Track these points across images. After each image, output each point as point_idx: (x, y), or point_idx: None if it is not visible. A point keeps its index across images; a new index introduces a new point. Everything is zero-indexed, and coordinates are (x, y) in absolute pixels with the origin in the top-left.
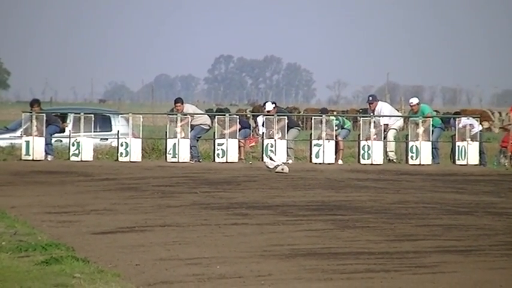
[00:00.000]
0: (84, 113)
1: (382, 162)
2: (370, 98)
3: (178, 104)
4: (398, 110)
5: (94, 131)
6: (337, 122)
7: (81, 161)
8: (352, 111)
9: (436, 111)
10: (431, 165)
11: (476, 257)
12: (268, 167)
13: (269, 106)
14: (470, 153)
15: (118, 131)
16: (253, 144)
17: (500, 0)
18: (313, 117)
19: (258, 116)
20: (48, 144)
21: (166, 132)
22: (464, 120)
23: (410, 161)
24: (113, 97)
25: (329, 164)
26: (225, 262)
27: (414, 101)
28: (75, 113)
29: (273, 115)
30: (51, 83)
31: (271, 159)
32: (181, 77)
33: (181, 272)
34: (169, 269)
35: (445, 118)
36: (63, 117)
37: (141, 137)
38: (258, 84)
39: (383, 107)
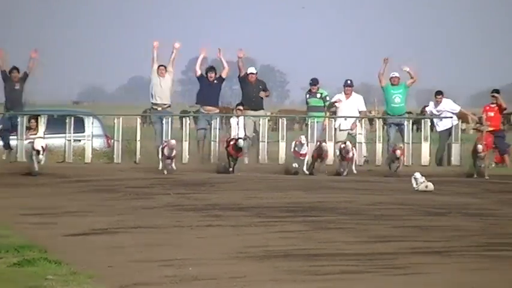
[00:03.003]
0: (57, 115)
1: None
2: (349, 82)
3: (162, 68)
4: (371, 112)
5: (67, 133)
6: (326, 94)
7: (55, 162)
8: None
9: (409, 112)
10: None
11: (451, 258)
12: (413, 188)
13: (252, 69)
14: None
15: (92, 133)
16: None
17: (471, 2)
18: (285, 118)
19: (231, 117)
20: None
21: (137, 133)
22: (444, 103)
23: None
24: (87, 99)
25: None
26: (199, 264)
27: (396, 73)
28: (48, 115)
29: (254, 81)
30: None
31: (415, 178)
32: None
33: (154, 273)
34: (142, 271)
35: (418, 119)
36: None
37: (115, 138)
38: (232, 85)
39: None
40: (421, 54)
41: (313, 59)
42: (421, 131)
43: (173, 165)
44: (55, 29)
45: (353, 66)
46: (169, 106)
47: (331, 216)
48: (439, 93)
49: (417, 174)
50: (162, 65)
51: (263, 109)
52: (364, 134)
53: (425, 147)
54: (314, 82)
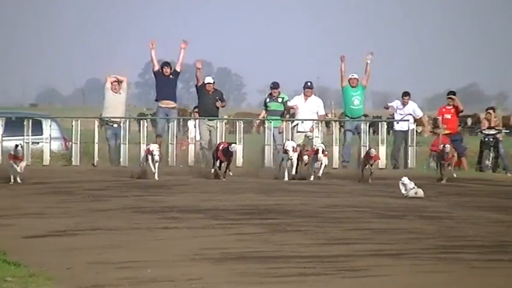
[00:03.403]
0: (15, 117)
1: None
2: (309, 84)
3: (115, 83)
4: (327, 114)
5: (25, 135)
6: (287, 99)
7: None
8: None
9: (365, 115)
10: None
11: (407, 261)
12: (403, 194)
13: (209, 79)
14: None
15: (50, 135)
16: (184, 147)
17: (426, 4)
18: (240, 121)
19: (189, 120)
20: None
21: (94, 136)
22: (410, 105)
23: (344, 164)
24: (44, 101)
25: (268, 167)
26: (156, 266)
27: (355, 75)
28: (6, 117)
29: (211, 91)
30: None
31: (403, 184)
32: None
33: (112, 275)
34: (100, 273)
35: (375, 122)
36: None
37: (73, 140)
38: (189, 88)
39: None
40: (377, 57)
41: (269, 62)
42: (377, 134)
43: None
44: (11, 32)
45: (309, 68)
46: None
47: (288, 219)
48: (406, 94)
49: (405, 180)
50: (116, 81)
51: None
52: (321, 137)
53: (382, 150)
54: (275, 86)
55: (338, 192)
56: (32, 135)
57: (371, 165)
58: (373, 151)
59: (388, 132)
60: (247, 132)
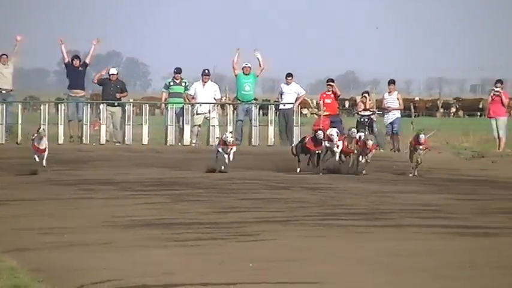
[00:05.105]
0: None
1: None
2: (206, 71)
3: (4, 57)
4: (223, 98)
5: None
6: (188, 83)
7: None
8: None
9: (255, 99)
10: (256, 146)
11: (294, 226)
12: None
13: (114, 70)
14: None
15: None
16: (96, 128)
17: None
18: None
19: (101, 103)
20: None
21: (18, 117)
22: (293, 85)
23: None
24: None
25: (171, 145)
26: (73, 232)
27: (248, 64)
28: None
29: (114, 81)
30: None
31: None
32: (34, 69)
33: (34, 240)
34: (24, 238)
35: (264, 104)
36: None
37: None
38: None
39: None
40: (264, 45)
41: (174, 50)
42: (266, 115)
43: (230, 158)
44: None
45: (208, 59)
46: (11, 90)
47: (189, 190)
48: (289, 75)
49: None
50: (4, 54)
51: (119, 106)
52: (217, 117)
53: (271, 130)
54: (178, 71)
55: (233, 166)
56: None
57: (366, 154)
58: (370, 142)
59: (276, 114)
60: (152, 114)
